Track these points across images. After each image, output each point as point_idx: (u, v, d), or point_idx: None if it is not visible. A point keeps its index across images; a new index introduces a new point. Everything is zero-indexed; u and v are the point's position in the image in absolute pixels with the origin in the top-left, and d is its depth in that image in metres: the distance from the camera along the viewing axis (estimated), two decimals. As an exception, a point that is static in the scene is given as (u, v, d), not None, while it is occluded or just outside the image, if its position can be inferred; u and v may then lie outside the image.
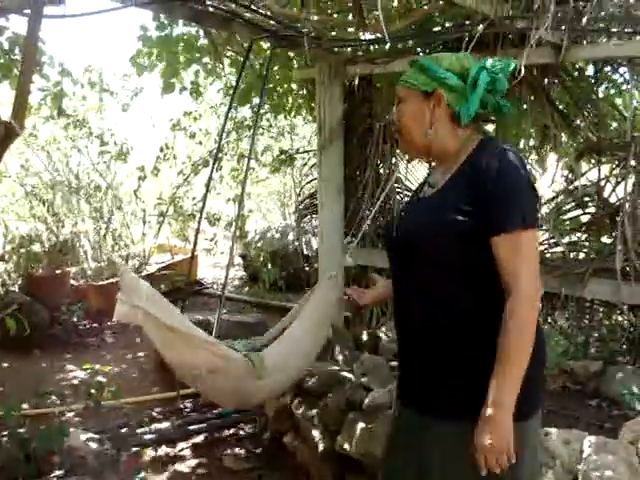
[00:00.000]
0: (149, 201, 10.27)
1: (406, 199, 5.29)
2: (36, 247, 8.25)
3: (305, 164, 9.15)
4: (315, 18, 4.13)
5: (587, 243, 4.60)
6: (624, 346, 4.37)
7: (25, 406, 4.59)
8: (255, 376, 3.05)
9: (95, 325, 7.33)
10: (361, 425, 3.53)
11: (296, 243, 9.02)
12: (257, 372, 3.04)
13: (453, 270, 1.95)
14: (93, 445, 3.94)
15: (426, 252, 1.98)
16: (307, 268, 8.78)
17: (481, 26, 3.68)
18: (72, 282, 7.92)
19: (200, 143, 10.21)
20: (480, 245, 1.89)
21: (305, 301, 3.44)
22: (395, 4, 4.39)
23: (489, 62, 2.08)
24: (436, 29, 4.41)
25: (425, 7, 4.16)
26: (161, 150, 9.83)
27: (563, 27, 3.68)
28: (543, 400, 2.06)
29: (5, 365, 6.06)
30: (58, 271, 7.82)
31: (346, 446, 3.56)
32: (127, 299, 2.68)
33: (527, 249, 1.87)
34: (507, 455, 1.80)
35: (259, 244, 9.68)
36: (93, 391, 4.15)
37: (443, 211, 1.94)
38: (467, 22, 4.03)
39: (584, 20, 3.85)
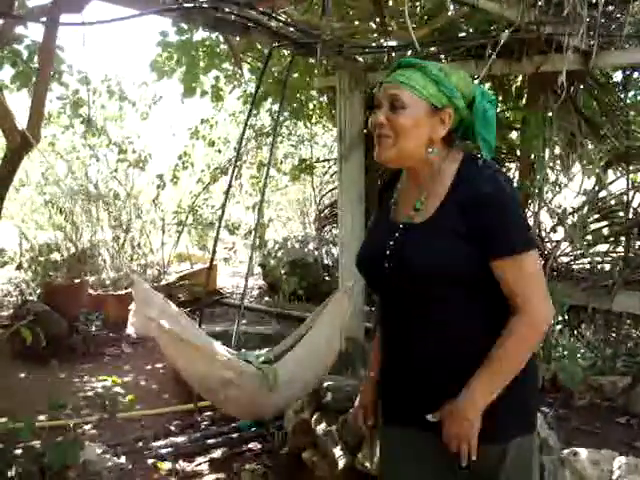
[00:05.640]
0: (168, 209, 10.25)
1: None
2: (55, 256, 8.23)
3: (326, 172, 9.09)
4: (336, 25, 4.06)
5: (614, 254, 4.49)
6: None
7: (41, 418, 4.54)
8: (268, 388, 3.08)
9: (113, 335, 7.25)
10: (382, 442, 3.44)
11: (316, 252, 8.94)
12: (270, 385, 3.10)
13: (456, 300, 1.91)
14: (108, 459, 3.88)
15: (429, 284, 1.89)
16: (327, 278, 8.70)
17: (506, 32, 3.59)
18: (90, 291, 7.87)
19: (219, 151, 10.18)
20: (482, 271, 1.87)
21: (319, 312, 3.40)
22: (418, 10, 4.32)
23: (482, 88, 2.04)
24: (460, 35, 4.32)
25: (449, 13, 4.08)
26: (180, 158, 9.81)
27: (592, 33, 3.58)
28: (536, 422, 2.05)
29: (22, 375, 6.01)
30: (77, 280, 7.77)
31: (367, 463, 3.47)
32: (140, 311, 2.63)
33: (533, 270, 1.87)
34: (468, 444, 1.85)
35: (278, 253, 9.60)
36: (108, 403, 4.08)
37: (444, 241, 1.88)
38: (492, 28, 3.95)
39: (613, 26, 3.76)
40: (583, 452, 2.96)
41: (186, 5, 3.74)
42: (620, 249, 4.46)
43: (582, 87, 4.52)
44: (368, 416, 2.31)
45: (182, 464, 4.29)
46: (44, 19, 3.64)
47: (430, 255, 1.87)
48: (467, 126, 2.01)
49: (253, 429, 4.63)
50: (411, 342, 1.99)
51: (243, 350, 3.29)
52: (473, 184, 1.87)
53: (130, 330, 2.68)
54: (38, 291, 7.69)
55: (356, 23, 4.67)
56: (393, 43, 4.54)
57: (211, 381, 2.93)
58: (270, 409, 3.41)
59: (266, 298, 9.33)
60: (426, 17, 4.46)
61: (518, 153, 5.02)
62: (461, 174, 1.91)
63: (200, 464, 4.30)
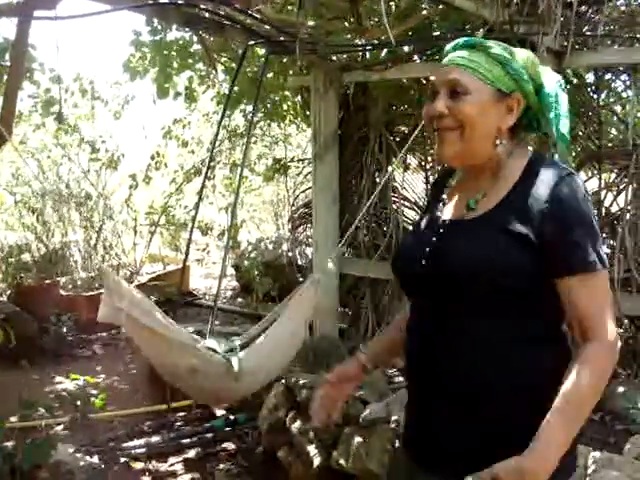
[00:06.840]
0: (141, 210, 10.17)
1: (405, 211, 5.19)
2: (25, 257, 8.15)
3: (299, 173, 9.08)
4: (311, 23, 4.05)
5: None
6: (625, 358, 4.30)
7: (13, 419, 4.49)
8: (233, 378, 3.19)
9: (85, 336, 7.19)
10: (357, 439, 3.45)
11: (290, 254, 8.92)
12: (235, 374, 3.17)
13: (499, 311, 1.61)
14: (81, 459, 3.85)
15: (474, 288, 1.61)
16: (301, 279, 8.68)
17: (481, 31, 3.60)
18: (62, 292, 7.79)
19: (192, 152, 10.12)
20: (534, 284, 1.60)
21: (285, 304, 3.51)
22: (393, 10, 4.32)
23: (551, 70, 1.79)
24: (435, 35, 4.34)
25: (424, 12, 4.09)
26: (152, 158, 9.74)
27: (566, 32, 3.61)
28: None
29: (-8, 376, 5.94)
30: (47, 281, 7.70)
31: (342, 461, 3.48)
32: (110, 301, 2.80)
33: (605, 292, 1.59)
34: None
35: (252, 254, 9.57)
36: (79, 403, 4.05)
37: (499, 241, 1.59)
38: (466, 27, 3.97)
39: (586, 27, 3.79)
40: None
41: (161, 1, 3.71)
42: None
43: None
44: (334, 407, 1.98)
45: (155, 464, 4.26)
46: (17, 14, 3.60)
47: (473, 252, 1.61)
48: (532, 116, 1.77)
49: (228, 429, 4.62)
50: (444, 362, 1.67)
51: (209, 339, 3.41)
52: (547, 187, 1.58)
53: (99, 318, 2.79)
54: (8, 292, 7.60)
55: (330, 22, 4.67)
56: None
57: (179, 369, 3.12)
58: (233, 396, 3.74)
59: (239, 299, 9.30)
60: (401, 17, 4.47)
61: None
62: (529, 173, 1.64)
63: (174, 464, 4.28)
